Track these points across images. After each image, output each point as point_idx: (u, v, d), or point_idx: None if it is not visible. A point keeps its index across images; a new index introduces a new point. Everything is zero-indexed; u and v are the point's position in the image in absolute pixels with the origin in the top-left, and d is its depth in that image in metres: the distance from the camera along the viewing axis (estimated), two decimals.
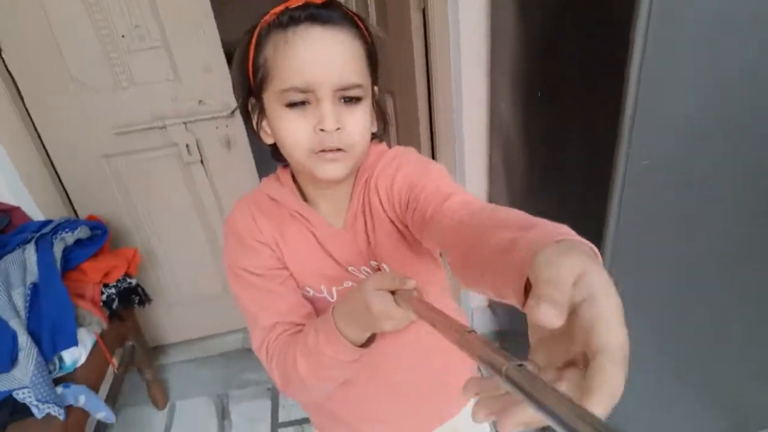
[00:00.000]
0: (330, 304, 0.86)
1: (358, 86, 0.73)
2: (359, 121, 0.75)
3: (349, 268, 0.85)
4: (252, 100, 0.79)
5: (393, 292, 0.67)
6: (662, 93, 0.94)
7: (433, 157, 1.74)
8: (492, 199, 1.81)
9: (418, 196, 0.74)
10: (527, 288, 0.44)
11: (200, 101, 1.74)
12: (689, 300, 1.21)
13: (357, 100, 0.75)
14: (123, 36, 1.62)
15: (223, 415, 2.14)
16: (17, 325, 1.36)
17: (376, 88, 0.82)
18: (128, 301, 1.82)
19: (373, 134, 0.83)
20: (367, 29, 0.75)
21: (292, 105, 0.72)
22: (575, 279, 0.36)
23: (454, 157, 1.72)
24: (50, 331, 1.44)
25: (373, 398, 0.94)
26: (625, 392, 0.32)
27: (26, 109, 1.69)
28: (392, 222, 0.82)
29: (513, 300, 0.47)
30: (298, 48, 0.70)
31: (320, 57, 0.70)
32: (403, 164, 0.82)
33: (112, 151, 1.80)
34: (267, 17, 0.74)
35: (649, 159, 0.98)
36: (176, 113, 1.75)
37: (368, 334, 0.75)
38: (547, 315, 0.34)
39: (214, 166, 1.88)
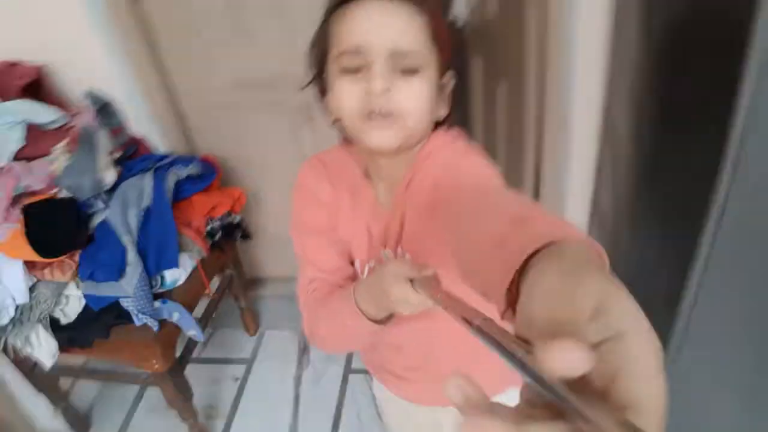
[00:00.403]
0: (359, 278, 0.91)
1: (414, 53, 0.72)
2: (414, 90, 0.73)
3: (383, 252, 0.87)
4: (322, 77, 0.81)
5: (411, 280, 0.68)
6: None
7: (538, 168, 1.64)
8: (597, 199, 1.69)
9: (460, 188, 0.72)
10: (511, 290, 0.40)
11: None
12: None
13: (414, 71, 0.73)
14: None
15: (304, 350, 2.31)
16: (128, 242, 1.57)
17: (447, 74, 0.79)
18: (231, 235, 2.00)
19: (437, 123, 0.82)
20: (438, 14, 0.74)
21: (345, 70, 0.73)
22: (592, 312, 0.29)
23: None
24: (156, 251, 1.64)
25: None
26: None
27: (160, 55, 1.88)
28: (430, 209, 0.77)
29: (497, 306, 0.43)
30: (355, 14, 0.72)
31: (374, 21, 0.71)
32: (467, 159, 0.79)
33: (232, 99, 1.94)
34: None
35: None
36: (290, 76, 1.82)
37: (386, 314, 0.78)
38: (565, 360, 0.25)
39: (321, 126, 1.95)
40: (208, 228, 1.89)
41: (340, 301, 0.82)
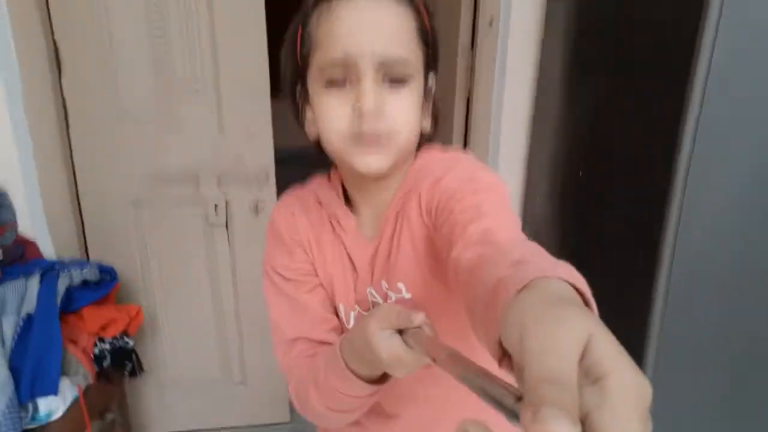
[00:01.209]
0: (345, 330, 0.78)
1: (405, 61, 0.65)
2: (404, 105, 0.67)
3: (369, 290, 0.76)
4: (299, 88, 0.73)
5: (401, 331, 0.58)
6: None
7: None
8: None
9: (453, 208, 0.63)
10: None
11: (238, 157, 1.73)
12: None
13: (403, 81, 0.66)
14: (180, 80, 1.66)
15: None
16: None
17: (431, 78, 0.73)
18: (120, 364, 1.66)
19: (422, 136, 0.75)
20: (425, 9, 0.68)
21: (331, 83, 0.66)
22: (578, 356, 0.27)
23: None
24: (32, 370, 1.29)
25: None
26: None
27: (69, 142, 1.68)
28: (425, 231, 0.70)
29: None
30: (340, 16, 0.64)
31: (363, 25, 0.64)
32: (454, 167, 0.71)
33: (142, 196, 1.75)
34: None
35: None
36: (213, 167, 1.73)
37: (381, 372, 0.66)
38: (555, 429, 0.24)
39: (238, 232, 1.82)
40: (96, 350, 1.55)
41: (326, 364, 0.69)
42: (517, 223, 0.62)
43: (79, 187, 1.73)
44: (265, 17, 1.63)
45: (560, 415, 0.24)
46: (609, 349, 0.27)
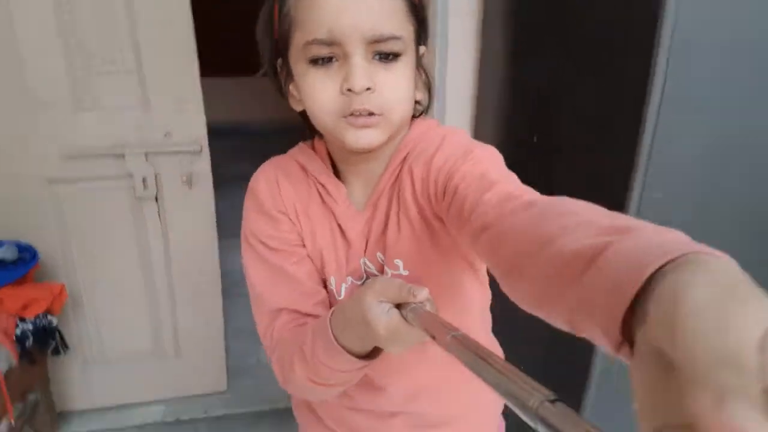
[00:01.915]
0: (335, 302, 0.75)
1: (395, 38, 0.62)
2: (397, 80, 0.64)
3: (362, 260, 0.74)
4: (279, 61, 0.69)
5: (398, 306, 0.57)
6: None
7: None
8: None
9: (457, 185, 0.61)
10: (626, 321, 0.31)
11: (167, 133, 1.66)
12: None
13: (395, 56, 0.64)
14: (94, 54, 1.56)
15: None
16: None
17: (422, 48, 0.71)
18: (44, 343, 1.59)
19: (417, 104, 0.73)
20: None
21: (315, 61, 0.63)
22: (759, 342, 0.23)
23: None
24: None
25: (366, 416, 0.81)
26: None
27: None
28: (421, 212, 0.69)
29: (601, 341, 0.34)
30: None
31: (348, 2, 0.60)
32: (446, 144, 0.69)
33: (58, 175, 1.66)
34: None
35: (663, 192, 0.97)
36: (139, 142, 1.66)
37: (371, 347, 0.64)
38: None
39: (170, 205, 1.76)
40: (18, 331, 1.48)
41: (313, 335, 0.67)
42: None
43: None
44: None
45: (753, 408, 0.21)
46: None
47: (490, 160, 0.65)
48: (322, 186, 0.75)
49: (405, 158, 0.72)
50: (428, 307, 0.55)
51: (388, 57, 0.64)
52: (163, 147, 1.67)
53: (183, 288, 1.92)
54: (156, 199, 1.75)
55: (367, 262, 0.73)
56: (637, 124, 0.95)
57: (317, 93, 0.64)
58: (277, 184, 0.76)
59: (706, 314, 0.24)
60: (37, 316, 1.53)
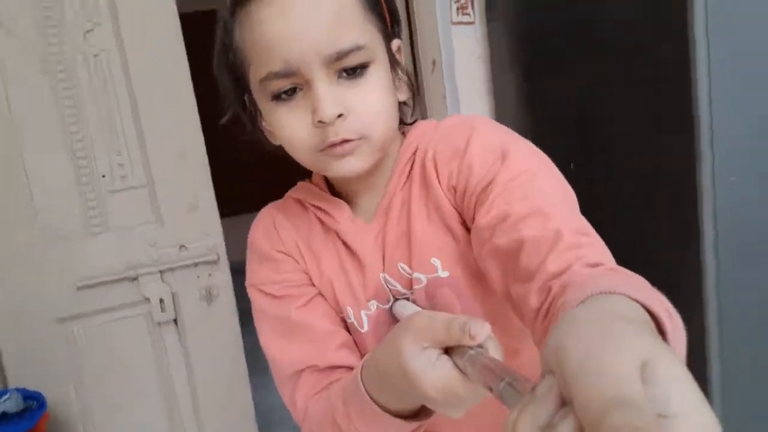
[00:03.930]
0: (360, 336, 0.65)
1: (358, 48, 0.55)
2: (371, 95, 0.57)
3: (382, 277, 0.63)
4: (247, 97, 0.63)
5: (447, 350, 0.43)
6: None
7: None
8: None
9: (506, 212, 0.52)
10: None
11: (181, 246, 1.55)
12: None
13: (362, 68, 0.56)
14: (103, 176, 1.50)
15: None
16: None
17: (395, 43, 0.63)
18: None
19: (402, 105, 0.65)
20: None
21: (278, 96, 0.57)
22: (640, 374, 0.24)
23: None
24: None
25: None
26: None
27: None
28: (448, 204, 0.60)
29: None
30: (264, 18, 0.54)
31: (294, 21, 0.53)
32: (474, 134, 0.59)
33: (69, 312, 1.53)
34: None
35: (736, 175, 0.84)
36: (153, 261, 1.54)
37: (419, 404, 0.51)
38: None
39: (191, 326, 1.59)
40: None
41: (345, 400, 0.55)
42: (571, 203, 0.54)
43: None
44: (190, 79, 1.52)
45: None
46: (672, 378, 0.24)
47: (529, 165, 0.56)
48: (321, 210, 0.67)
49: (415, 152, 0.64)
50: (491, 352, 0.40)
51: (354, 72, 0.56)
52: (178, 261, 1.54)
53: (213, 425, 1.68)
54: (175, 321, 1.59)
55: (388, 278, 0.63)
56: (689, 118, 0.85)
57: (287, 131, 0.58)
58: (274, 226, 0.70)
59: (584, 361, 0.25)
60: None
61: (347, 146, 0.57)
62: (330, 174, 0.61)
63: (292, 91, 0.56)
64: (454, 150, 0.59)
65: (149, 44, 1.47)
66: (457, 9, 1.46)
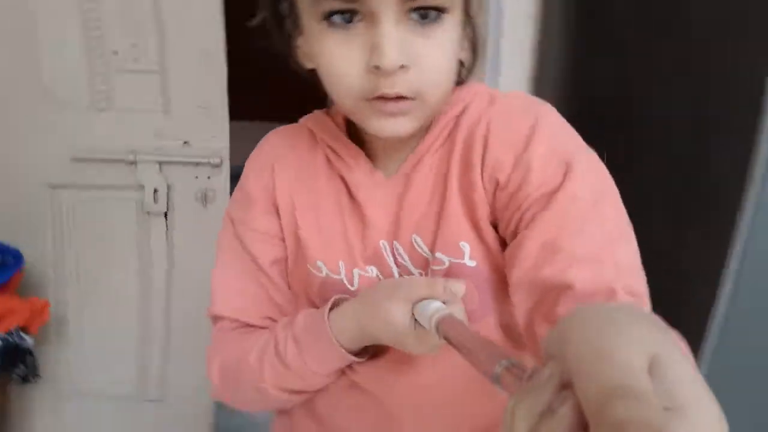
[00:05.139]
0: (348, 293, 0.60)
1: None
2: (439, 50, 0.50)
3: (382, 243, 0.58)
4: (284, 5, 0.55)
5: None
6: None
7: None
8: None
9: (542, 208, 0.50)
10: None
11: (185, 142, 1.51)
12: None
13: (439, 12, 0.49)
14: (115, 52, 1.44)
15: None
16: None
17: (474, 2, 0.55)
18: (11, 364, 1.37)
19: (460, 66, 0.57)
20: None
21: (331, 18, 0.48)
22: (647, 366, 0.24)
23: None
24: None
25: None
26: None
27: None
28: (479, 193, 0.55)
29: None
30: None
31: None
32: (539, 131, 0.52)
33: (62, 180, 1.51)
34: None
35: None
36: (154, 150, 1.50)
37: (366, 343, 0.57)
38: None
39: (180, 223, 1.58)
40: None
41: (293, 339, 0.58)
42: (627, 237, 0.50)
43: None
44: None
45: None
46: (680, 373, 0.24)
47: (595, 197, 0.50)
48: (334, 152, 0.61)
49: (459, 115, 0.58)
50: (458, 314, 0.48)
51: (427, 16, 0.49)
52: (180, 156, 1.51)
53: (182, 324, 1.69)
54: (165, 215, 1.58)
55: (398, 248, 0.58)
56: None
57: (335, 66, 0.50)
58: (272, 170, 0.64)
59: (590, 347, 0.25)
60: (8, 332, 1.33)
61: (400, 104, 0.50)
62: (367, 129, 0.54)
63: (349, 17, 0.48)
64: (514, 137, 0.53)
65: None
66: None
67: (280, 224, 0.63)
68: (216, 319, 0.67)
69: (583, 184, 0.50)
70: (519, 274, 0.50)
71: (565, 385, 0.26)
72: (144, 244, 1.60)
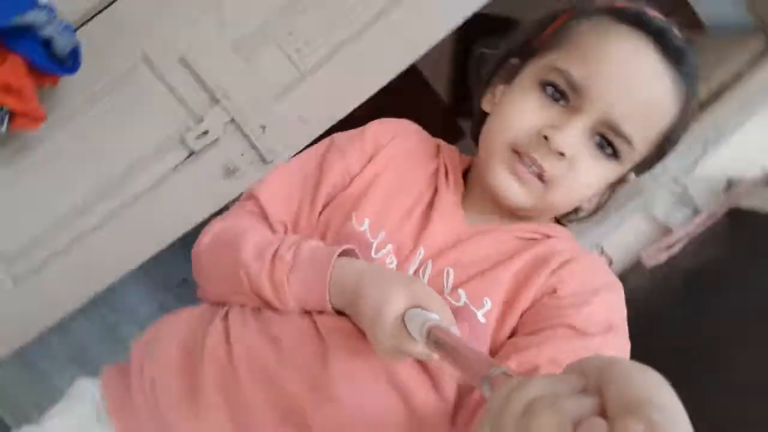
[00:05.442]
0: (367, 257, 0.61)
1: (629, 143, 0.57)
2: (594, 176, 0.58)
3: (420, 250, 0.61)
4: (515, 60, 0.65)
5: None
6: None
7: None
8: None
9: (570, 332, 0.54)
10: None
11: (263, 126, 1.57)
12: None
13: (613, 154, 0.57)
14: (291, 34, 1.53)
15: None
16: None
17: (632, 175, 0.64)
18: None
19: (574, 213, 0.67)
20: (688, 102, 0.59)
21: (546, 86, 0.57)
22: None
23: None
24: None
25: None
26: None
27: None
28: (524, 290, 0.59)
29: None
30: (611, 46, 0.55)
31: (624, 74, 0.54)
32: (610, 293, 0.59)
33: (156, 62, 1.51)
34: (608, 1, 0.62)
35: None
36: (239, 107, 1.53)
37: (339, 307, 0.56)
38: None
39: (192, 169, 1.56)
40: None
41: (299, 247, 0.58)
42: None
43: None
44: None
45: None
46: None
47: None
48: (446, 172, 0.67)
49: (547, 235, 0.64)
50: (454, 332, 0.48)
51: (604, 148, 0.57)
52: (247, 128, 1.53)
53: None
54: (189, 156, 1.57)
55: (428, 267, 0.60)
56: None
57: (517, 112, 0.58)
58: (397, 130, 0.70)
59: (623, 368, 0.30)
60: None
61: (530, 176, 0.56)
62: (486, 178, 0.60)
63: (557, 96, 0.57)
64: (590, 277, 0.59)
65: None
66: None
67: (361, 171, 0.67)
68: (248, 196, 0.70)
69: (610, 349, 0.54)
70: (518, 358, 0.53)
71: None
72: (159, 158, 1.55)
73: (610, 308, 0.58)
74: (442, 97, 3.89)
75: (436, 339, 0.44)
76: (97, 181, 1.51)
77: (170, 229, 1.54)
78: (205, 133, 1.53)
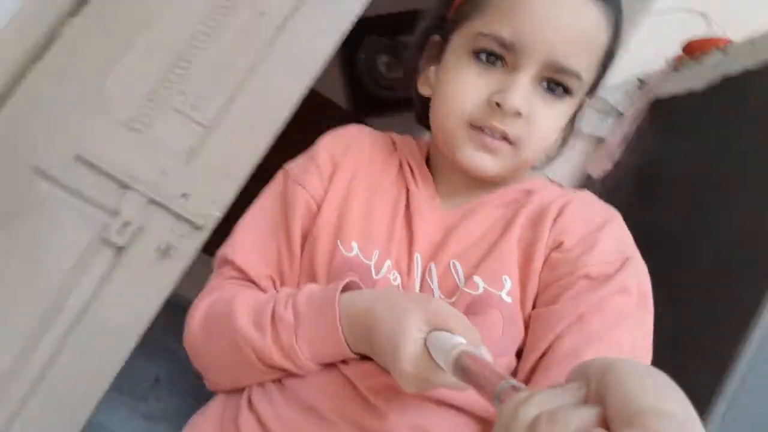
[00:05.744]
0: (368, 280, 0.58)
1: (577, 77, 0.56)
2: (553, 119, 0.58)
3: (417, 257, 0.59)
4: (435, 37, 0.64)
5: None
6: None
7: None
8: None
9: (575, 312, 0.53)
10: None
11: (184, 194, 1.47)
12: None
13: (565, 91, 0.57)
14: (183, 94, 1.46)
15: None
16: None
17: (587, 98, 0.64)
18: None
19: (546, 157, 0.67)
20: (618, 24, 0.60)
21: (479, 55, 0.56)
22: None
23: None
24: None
25: None
26: None
27: None
28: (535, 248, 0.58)
29: None
30: None
31: (551, 18, 0.54)
32: (610, 225, 0.58)
33: (51, 171, 1.40)
34: None
35: None
36: (152, 184, 1.44)
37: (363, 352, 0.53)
38: None
39: (125, 264, 1.44)
40: None
41: (298, 301, 0.55)
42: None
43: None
44: None
45: None
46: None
47: (632, 304, 0.54)
48: (408, 164, 0.66)
49: (527, 195, 0.62)
50: (484, 354, 0.44)
51: (555, 90, 0.57)
52: (170, 205, 1.44)
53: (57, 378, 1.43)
54: (118, 249, 1.45)
55: (432, 270, 0.58)
56: None
57: (459, 89, 0.57)
58: (347, 146, 0.67)
59: (630, 373, 0.29)
60: None
61: (498, 143, 0.56)
62: (455, 157, 0.58)
63: (494, 60, 0.56)
64: (589, 218, 0.59)
65: None
66: None
67: (326, 195, 0.64)
68: (222, 262, 0.66)
69: (630, 285, 0.54)
70: (543, 333, 0.53)
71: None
72: (83, 266, 1.43)
73: (617, 239, 0.58)
74: (341, 105, 3.90)
75: (463, 366, 0.41)
76: (32, 315, 1.38)
77: (127, 333, 1.42)
78: (127, 224, 1.42)
